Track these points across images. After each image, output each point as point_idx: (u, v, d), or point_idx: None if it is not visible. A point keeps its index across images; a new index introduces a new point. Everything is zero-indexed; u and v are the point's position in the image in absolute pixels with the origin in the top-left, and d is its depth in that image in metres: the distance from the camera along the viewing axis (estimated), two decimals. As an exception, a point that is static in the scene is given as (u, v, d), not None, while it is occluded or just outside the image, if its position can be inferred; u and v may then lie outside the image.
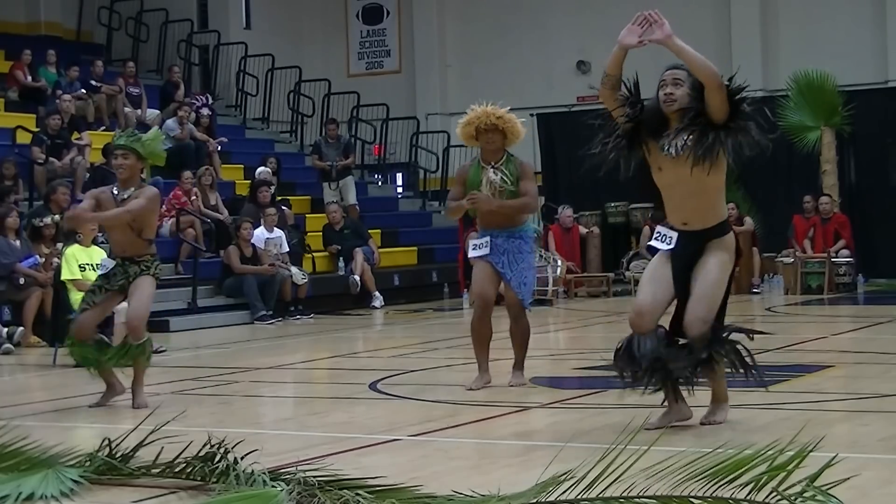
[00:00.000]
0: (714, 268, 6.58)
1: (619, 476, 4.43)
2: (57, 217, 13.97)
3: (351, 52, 25.90)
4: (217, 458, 5.30)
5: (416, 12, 25.18)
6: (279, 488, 4.90)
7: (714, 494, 4.35)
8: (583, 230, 19.78)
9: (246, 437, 5.73)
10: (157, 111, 20.69)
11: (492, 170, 8.50)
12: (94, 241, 11.79)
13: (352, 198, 20.06)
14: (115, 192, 8.39)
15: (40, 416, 8.07)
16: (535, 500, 4.57)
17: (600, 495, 4.46)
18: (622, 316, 6.91)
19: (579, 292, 19.06)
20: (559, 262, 18.10)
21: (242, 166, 20.47)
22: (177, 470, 5.42)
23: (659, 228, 6.85)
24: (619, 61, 6.62)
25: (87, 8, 23.81)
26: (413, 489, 4.91)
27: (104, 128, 19.09)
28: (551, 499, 4.55)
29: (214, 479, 5.24)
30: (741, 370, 6.64)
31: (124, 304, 8.55)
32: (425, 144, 23.18)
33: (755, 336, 6.91)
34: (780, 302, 17.08)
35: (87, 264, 11.47)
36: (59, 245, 13.27)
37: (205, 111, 20.40)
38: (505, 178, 8.47)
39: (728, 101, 6.45)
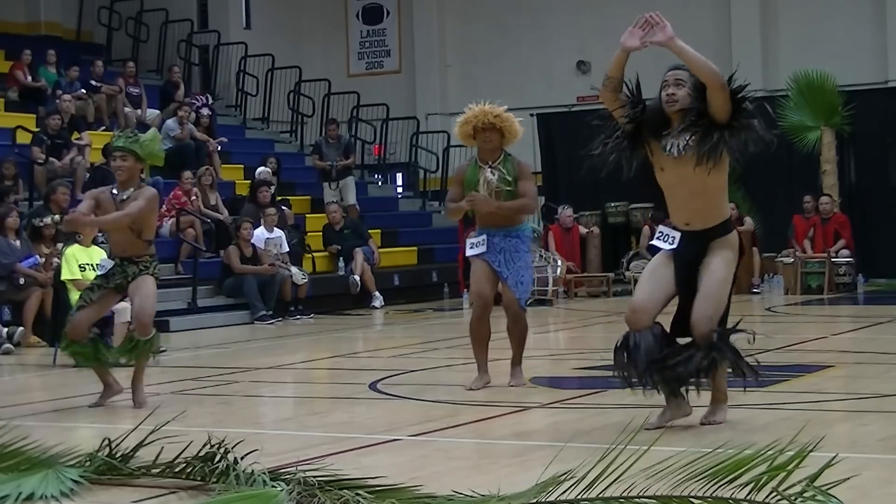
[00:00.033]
0: (720, 267, 6.60)
1: (619, 476, 4.43)
2: (57, 217, 13.97)
3: (351, 52, 25.90)
4: (217, 458, 5.30)
5: (416, 12, 25.18)
6: (279, 488, 4.90)
7: (714, 494, 4.35)
8: (583, 230, 19.78)
9: (246, 437, 5.73)
10: (157, 111, 20.69)
11: (489, 169, 8.48)
12: (94, 241, 11.80)
13: (352, 198, 20.07)
14: (115, 192, 8.39)
15: (40, 416, 8.08)
16: (535, 500, 4.57)
17: (600, 495, 4.46)
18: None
19: (579, 292, 19.06)
20: (559, 262, 18.10)
21: (242, 166, 20.47)
22: (177, 470, 5.42)
23: (661, 228, 6.87)
24: (621, 64, 6.62)
25: (87, 8, 23.81)
26: (413, 489, 4.91)
27: (104, 128, 19.08)
28: (551, 499, 4.55)
29: (214, 479, 5.24)
30: (741, 370, 6.65)
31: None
32: (425, 144, 23.18)
33: (754, 336, 6.92)
34: (780, 302, 17.08)
35: (87, 264, 11.47)
36: (59, 245, 13.28)
37: (205, 111, 20.41)
38: (502, 177, 8.46)
39: (730, 101, 6.46)
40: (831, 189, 18.91)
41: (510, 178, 8.45)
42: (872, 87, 21.23)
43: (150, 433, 5.60)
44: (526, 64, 24.09)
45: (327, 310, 17.02)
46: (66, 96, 18.07)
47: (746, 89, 6.56)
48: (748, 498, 4.32)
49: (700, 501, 4.36)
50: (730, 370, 6.64)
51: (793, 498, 4.27)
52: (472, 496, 4.76)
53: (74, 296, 11.32)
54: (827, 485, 4.32)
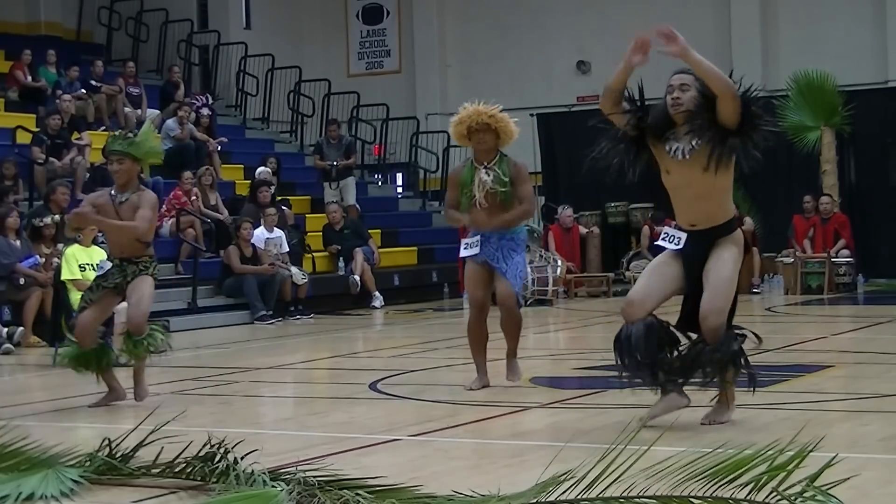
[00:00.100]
0: (726, 263, 6.65)
1: (619, 476, 4.43)
2: (57, 217, 13.97)
3: (351, 52, 25.90)
4: (217, 458, 5.30)
5: (416, 12, 25.18)
6: (279, 488, 4.90)
7: (714, 494, 4.35)
8: (583, 230, 19.78)
9: (246, 437, 5.73)
10: (157, 111, 20.68)
11: (484, 170, 8.44)
12: (94, 241, 11.80)
13: (352, 198, 20.07)
14: (113, 193, 8.38)
15: (40, 416, 8.07)
16: (535, 500, 4.57)
17: (600, 495, 4.46)
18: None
19: (579, 292, 19.06)
20: (559, 262, 18.10)
21: (242, 166, 20.47)
22: (177, 470, 5.42)
23: (667, 229, 6.94)
24: (624, 78, 6.65)
25: (87, 8, 23.81)
26: (413, 489, 4.91)
27: (104, 128, 19.07)
28: (551, 499, 4.55)
29: (214, 479, 5.24)
30: (742, 372, 6.69)
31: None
32: (425, 144, 23.18)
33: (761, 341, 6.97)
34: (780, 302, 17.08)
35: (87, 264, 11.48)
36: (59, 245, 13.28)
37: (205, 111, 20.41)
38: (498, 178, 8.41)
39: (740, 108, 6.49)
40: (831, 189, 18.91)
41: (505, 180, 8.39)
42: (872, 87, 21.23)
43: (150, 433, 5.60)
44: (526, 64, 24.09)
45: (327, 310, 17.02)
46: (66, 96, 18.07)
47: (753, 91, 6.59)
48: (748, 498, 4.32)
49: (700, 501, 4.36)
50: (740, 371, 6.67)
51: (793, 498, 4.27)
52: (472, 496, 4.76)
53: (74, 296, 11.32)
54: (827, 485, 4.32)
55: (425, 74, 25.11)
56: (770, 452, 4.37)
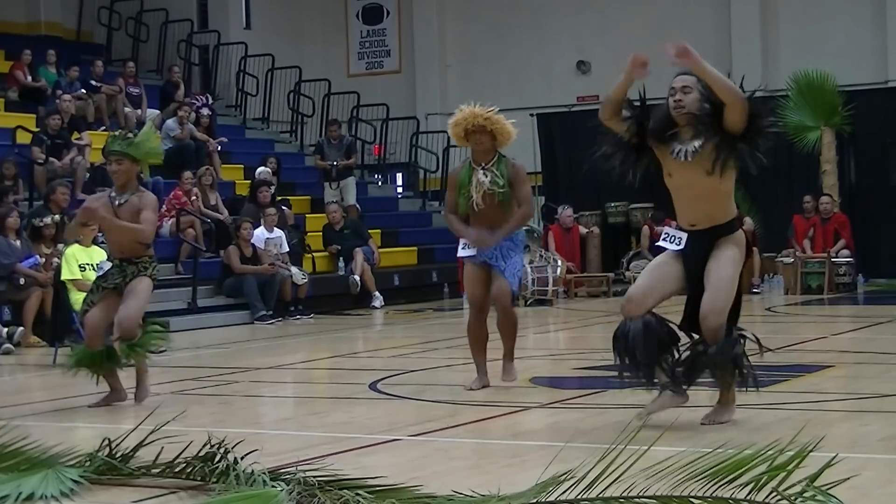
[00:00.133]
0: (727, 263, 6.66)
1: (619, 476, 4.43)
2: (57, 217, 13.97)
3: (351, 52, 25.90)
4: (217, 458, 5.30)
5: (416, 12, 25.18)
6: (279, 488, 4.90)
7: (714, 494, 4.35)
8: (583, 230, 19.78)
9: (246, 437, 5.73)
10: (157, 111, 20.68)
11: (482, 171, 8.43)
12: (94, 241, 11.80)
13: (352, 198, 20.07)
14: (112, 195, 8.37)
15: (40, 416, 8.07)
16: (535, 500, 4.57)
17: (600, 495, 4.46)
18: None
19: (579, 292, 19.06)
20: (559, 262, 18.10)
21: (242, 166, 20.47)
22: (177, 470, 5.42)
23: (668, 230, 6.95)
24: (624, 90, 6.68)
25: (87, 8, 23.81)
26: (413, 489, 4.91)
27: (104, 128, 19.07)
28: (551, 499, 4.55)
29: (214, 479, 5.24)
30: (745, 376, 6.70)
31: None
32: (425, 144, 23.18)
33: (763, 350, 6.97)
34: (780, 302, 17.07)
35: (87, 264, 11.47)
36: (60, 245, 13.28)
37: (205, 111, 20.41)
38: (495, 179, 8.40)
39: (746, 115, 6.52)
40: (831, 189, 18.91)
41: (503, 181, 8.39)
42: (872, 87, 21.23)
43: (150, 433, 5.60)
44: (526, 64, 24.09)
45: (327, 310, 17.02)
46: (66, 96, 18.07)
47: (754, 93, 6.62)
48: (748, 498, 4.32)
49: (700, 501, 4.36)
50: (741, 373, 6.67)
51: (793, 498, 4.27)
52: (472, 496, 4.76)
53: (74, 296, 11.33)
54: (827, 485, 4.32)
55: (425, 74, 25.11)
56: (770, 452, 4.37)
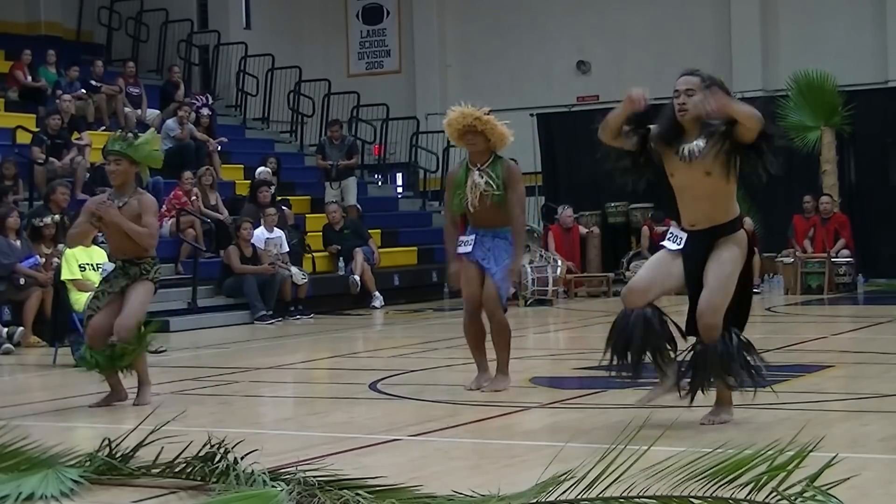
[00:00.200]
0: (726, 262, 6.68)
1: (619, 476, 4.43)
2: (57, 217, 13.97)
3: (351, 52, 25.90)
4: (217, 458, 5.31)
5: (416, 12, 25.18)
6: (279, 488, 4.90)
7: (714, 494, 4.35)
8: (583, 230, 19.78)
9: (246, 437, 5.73)
10: (157, 111, 20.69)
11: (477, 172, 8.41)
12: (94, 241, 11.79)
13: (352, 198, 20.07)
14: (111, 197, 8.35)
15: (40, 416, 8.07)
16: (535, 500, 4.58)
17: (600, 495, 4.46)
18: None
19: (579, 292, 19.07)
20: (559, 262, 18.10)
21: (242, 166, 20.47)
22: (177, 470, 5.42)
23: (671, 229, 6.96)
24: (623, 117, 6.70)
25: (87, 8, 23.81)
26: (413, 489, 4.91)
27: (104, 128, 19.08)
28: (551, 499, 4.55)
29: (214, 479, 5.24)
30: (739, 378, 6.71)
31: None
32: (425, 144, 23.17)
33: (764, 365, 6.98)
34: (780, 302, 17.08)
35: (87, 264, 11.47)
36: (60, 245, 13.28)
37: (205, 111, 20.40)
38: (490, 181, 8.37)
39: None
40: (831, 189, 18.92)
41: (498, 182, 8.37)
42: (872, 87, 21.23)
43: (150, 433, 5.60)
44: (526, 64, 24.08)
45: (327, 310, 17.02)
46: (66, 96, 18.07)
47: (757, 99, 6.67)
48: (748, 498, 4.32)
49: (700, 501, 4.36)
50: (739, 372, 6.67)
51: (793, 498, 4.27)
52: (472, 496, 4.76)
53: (74, 296, 11.33)
54: (827, 485, 4.32)
55: (425, 74, 25.10)
56: (770, 452, 4.37)
